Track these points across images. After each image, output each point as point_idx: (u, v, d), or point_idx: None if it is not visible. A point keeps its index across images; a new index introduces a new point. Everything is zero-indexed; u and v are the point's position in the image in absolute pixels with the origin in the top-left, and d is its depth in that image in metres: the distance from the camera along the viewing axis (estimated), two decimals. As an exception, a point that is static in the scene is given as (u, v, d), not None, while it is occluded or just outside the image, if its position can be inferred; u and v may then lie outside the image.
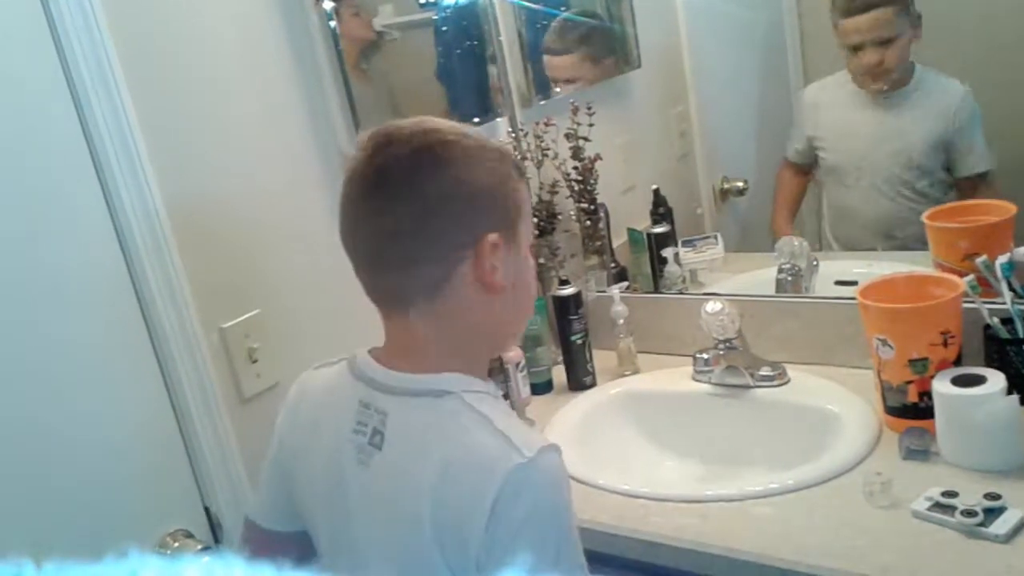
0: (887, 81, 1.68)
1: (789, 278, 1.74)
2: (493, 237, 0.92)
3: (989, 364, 1.33)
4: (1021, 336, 1.33)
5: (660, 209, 1.90)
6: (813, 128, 1.83)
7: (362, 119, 1.51)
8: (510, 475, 0.85)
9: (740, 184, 2.00)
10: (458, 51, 1.77)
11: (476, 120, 1.77)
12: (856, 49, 1.66)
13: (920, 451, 1.30)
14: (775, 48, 1.92)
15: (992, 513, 1.13)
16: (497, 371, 1.64)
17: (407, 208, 0.91)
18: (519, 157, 1.80)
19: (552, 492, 0.88)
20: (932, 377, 1.32)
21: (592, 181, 1.82)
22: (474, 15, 1.77)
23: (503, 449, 0.87)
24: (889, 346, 1.34)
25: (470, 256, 0.92)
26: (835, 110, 1.80)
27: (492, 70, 1.81)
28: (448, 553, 0.88)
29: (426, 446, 0.91)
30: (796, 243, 1.75)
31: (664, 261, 1.84)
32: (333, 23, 1.48)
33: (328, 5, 1.47)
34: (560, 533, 0.88)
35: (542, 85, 1.90)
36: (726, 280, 1.85)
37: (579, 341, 1.73)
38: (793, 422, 1.49)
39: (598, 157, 1.80)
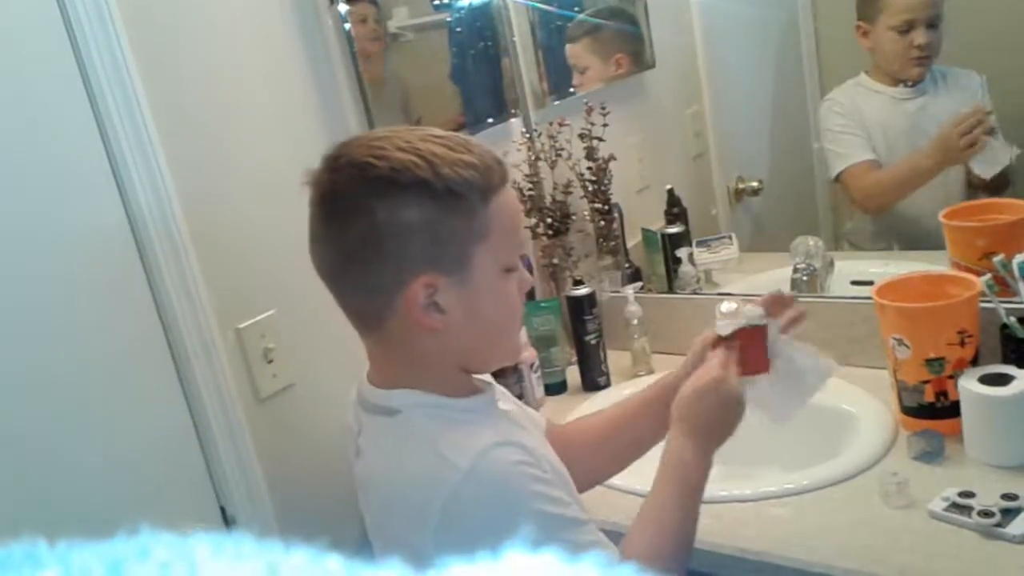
0: (927, 67, 1.67)
1: (805, 278, 1.74)
2: (426, 279, 0.88)
3: (1006, 363, 1.32)
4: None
5: (674, 209, 1.89)
6: (866, 131, 1.77)
7: (376, 121, 1.52)
8: (447, 496, 0.85)
9: (755, 184, 1.99)
10: (472, 52, 1.78)
11: (490, 120, 1.78)
12: (904, 31, 1.64)
13: (934, 452, 1.30)
14: (790, 48, 1.91)
15: (1009, 514, 1.12)
16: (510, 371, 1.65)
17: (335, 245, 0.90)
18: (533, 158, 1.80)
19: (497, 491, 0.87)
20: (949, 377, 1.32)
21: (606, 181, 1.82)
22: (488, 16, 1.78)
23: (438, 470, 0.87)
24: (906, 346, 1.34)
25: (401, 297, 0.89)
26: (873, 112, 1.76)
27: (506, 71, 1.82)
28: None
29: (379, 467, 0.94)
30: (812, 243, 1.75)
31: (678, 261, 1.84)
32: (348, 25, 1.49)
33: (343, 8, 1.48)
34: (524, 520, 0.86)
35: (556, 85, 1.90)
36: (741, 280, 1.85)
37: (593, 341, 1.73)
38: (809, 422, 1.48)
39: (612, 157, 1.80)
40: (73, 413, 1.18)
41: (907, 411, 1.38)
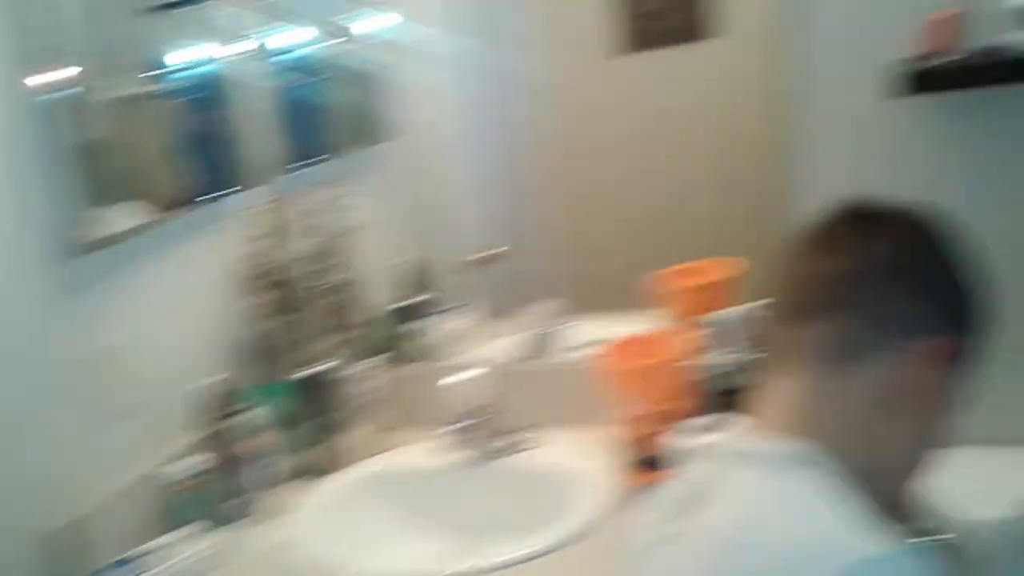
0: None
1: (540, 342, 1.77)
2: (956, 344, 0.76)
3: (718, 412, 1.39)
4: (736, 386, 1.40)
5: (416, 279, 1.89)
6: None
7: (95, 195, 1.38)
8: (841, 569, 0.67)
9: (496, 251, 2.02)
10: (195, 123, 1.69)
11: (220, 193, 1.69)
12: None
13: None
14: (525, 118, 1.98)
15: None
16: (244, 459, 1.55)
17: (862, 252, 0.78)
18: (266, 232, 1.73)
19: None
20: (667, 431, 1.37)
21: (343, 254, 1.78)
22: (217, 85, 1.70)
23: (835, 539, 0.69)
24: (631, 402, 1.39)
25: (922, 340, 0.75)
26: None
27: (238, 141, 1.74)
28: None
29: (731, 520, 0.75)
30: (547, 307, 1.79)
31: (418, 333, 1.82)
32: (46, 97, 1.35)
33: (37, 80, 1.34)
34: None
35: (292, 157, 1.84)
36: (482, 347, 1.86)
37: (329, 422, 1.66)
38: (541, 487, 1.51)
39: (352, 229, 1.77)
40: None
41: (634, 465, 1.42)
